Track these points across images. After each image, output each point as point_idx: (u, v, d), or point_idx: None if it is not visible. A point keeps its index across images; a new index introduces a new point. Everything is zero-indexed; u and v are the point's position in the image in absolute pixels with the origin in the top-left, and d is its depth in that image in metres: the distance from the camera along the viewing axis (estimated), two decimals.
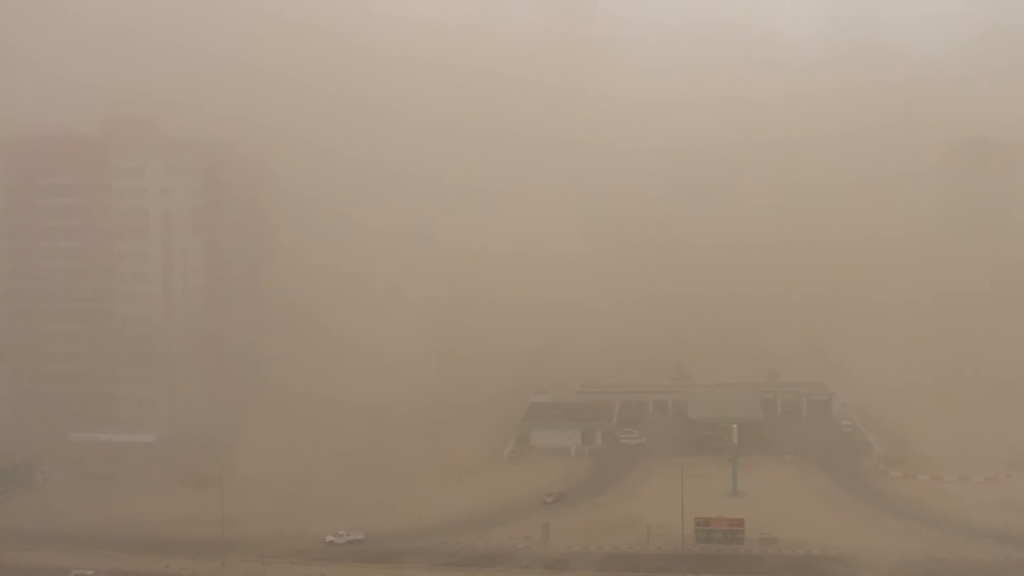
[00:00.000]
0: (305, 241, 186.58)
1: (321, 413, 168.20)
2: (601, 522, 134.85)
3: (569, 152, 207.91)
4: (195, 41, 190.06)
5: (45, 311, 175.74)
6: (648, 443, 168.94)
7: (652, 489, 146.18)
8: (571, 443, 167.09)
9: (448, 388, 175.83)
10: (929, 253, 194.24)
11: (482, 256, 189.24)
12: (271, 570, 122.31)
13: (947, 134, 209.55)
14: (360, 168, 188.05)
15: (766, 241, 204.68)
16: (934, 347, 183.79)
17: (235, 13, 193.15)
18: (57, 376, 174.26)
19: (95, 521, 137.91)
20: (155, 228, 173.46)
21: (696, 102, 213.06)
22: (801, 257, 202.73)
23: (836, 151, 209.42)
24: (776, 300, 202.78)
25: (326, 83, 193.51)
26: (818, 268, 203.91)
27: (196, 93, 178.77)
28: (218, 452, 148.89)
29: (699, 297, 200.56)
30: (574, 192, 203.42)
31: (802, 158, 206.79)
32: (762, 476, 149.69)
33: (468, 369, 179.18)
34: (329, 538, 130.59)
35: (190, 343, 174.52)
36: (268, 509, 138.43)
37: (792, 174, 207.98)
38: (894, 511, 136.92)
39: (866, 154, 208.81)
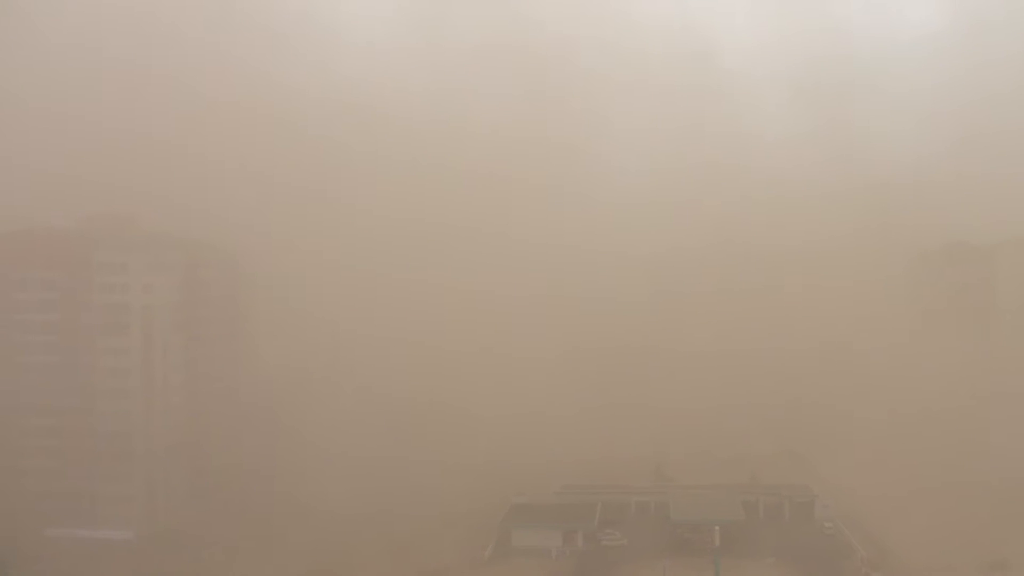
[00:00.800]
0: (280, 339, 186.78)
1: (294, 517, 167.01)
2: None
3: (545, 253, 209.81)
4: (172, 136, 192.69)
5: (21, 405, 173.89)
6: (630, 545, 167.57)
7: None
8: (552, 544, 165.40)
9: (423, 492, 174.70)
10: (907, 357, 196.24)
11: (458, 357, 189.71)
12: None
13: (924, 237, 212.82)
14: (334, 265, 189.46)
15: (740, 348, 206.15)
16: (913, 452, 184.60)
17: (214, 110, 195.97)
18: (34, 471, 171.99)
19: None
20: (135, 324, 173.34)
21: (671, 206, 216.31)
22: (778, 363, 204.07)
23: (813, 255, 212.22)
24: (754, 406, 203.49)
25: (303, 180, 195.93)
26: (795, 374, 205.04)
27: (173, 188, 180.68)
28: (195, 552, 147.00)
29: (676, 401, 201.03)
30: (545, 292, 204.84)
31: (779, 263, 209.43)
32: None
33: (443, 473, 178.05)
34: None
35: (169, 440, 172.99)
36: None
37: (769, 279, 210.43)
38: None
39: (843, 257, 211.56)
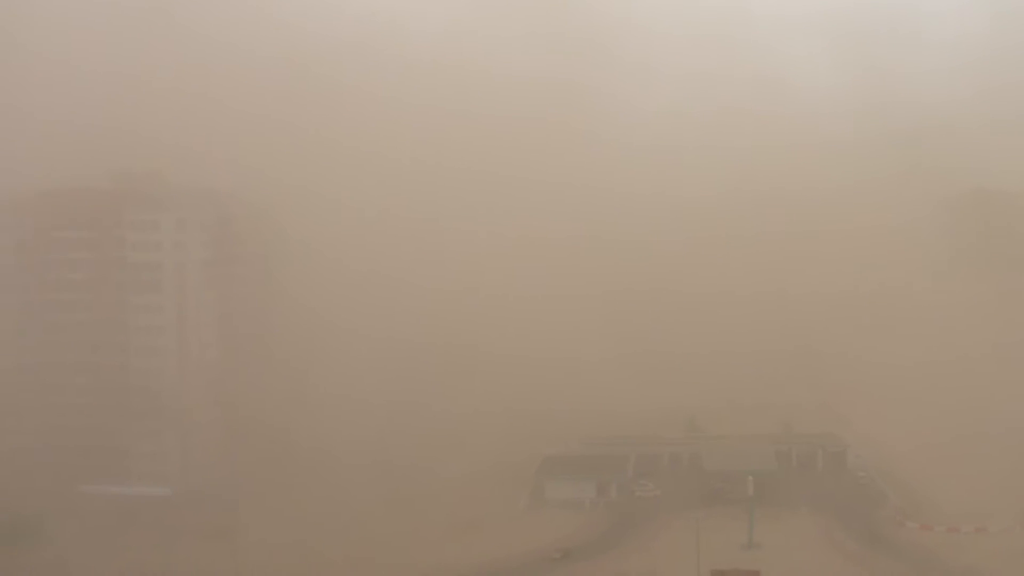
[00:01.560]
0: (313, 293, 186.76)
1: (326, 470, 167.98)
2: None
3: (577, 198, 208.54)
4: (201, 88, 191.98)
5: (54, 363, 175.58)
6: (664, 495, 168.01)
7: (668, 542, 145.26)
8: (586, 496, 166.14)
9: (456, 442, 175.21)
10: (940, 304, 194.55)
11: (489, 303, 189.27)
12: None
13: (954, 183, 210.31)
14: (366, 216, 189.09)
15: (769, 290, 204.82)
16: (945, 400, 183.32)
17: (242, 61, 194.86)
18: (68, 429, 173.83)
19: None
20: (168, 281, 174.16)
21: (700, 150, 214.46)
22: (809, 309, 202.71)
23: (843, 201, 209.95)
24: (785, 353, 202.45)
25: (334, 131, 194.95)
26: (827, 319, 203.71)
27: (202, 141, 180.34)
28: (231, 505, 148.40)
29: (707, 349, 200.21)
30: (577, 237, 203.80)
31: (811, 208, 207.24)
32: (778, 528, 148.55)
33: (473, 422, 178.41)
34: None
35: (203, 396, 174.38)
36: (280, 565, 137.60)
37: (800, 224, 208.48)
38: (911, 563, 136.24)
39: (873, 204, 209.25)
